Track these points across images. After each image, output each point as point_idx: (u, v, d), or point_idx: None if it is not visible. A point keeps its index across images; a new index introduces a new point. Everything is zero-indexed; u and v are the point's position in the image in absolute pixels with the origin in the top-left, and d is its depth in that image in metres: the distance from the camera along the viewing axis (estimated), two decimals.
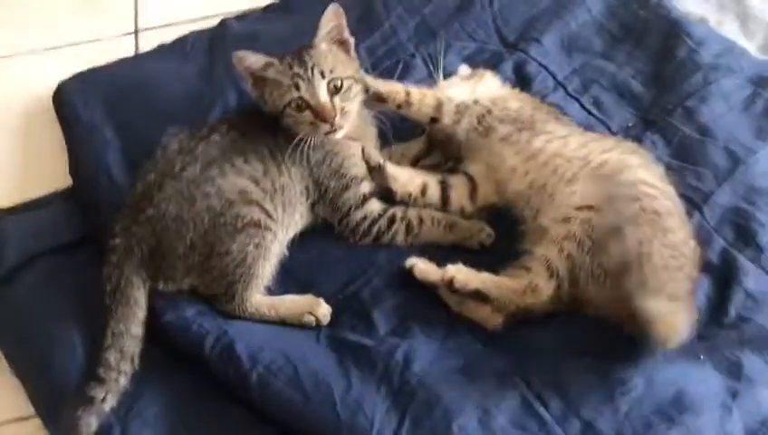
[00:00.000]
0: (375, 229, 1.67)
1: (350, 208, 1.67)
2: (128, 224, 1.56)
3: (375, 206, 1.69)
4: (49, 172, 1.97)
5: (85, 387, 1.47)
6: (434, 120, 1.71)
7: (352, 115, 1.65)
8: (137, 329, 1.53)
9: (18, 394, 1.59)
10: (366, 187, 1.69)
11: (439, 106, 1.70)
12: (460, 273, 1.53)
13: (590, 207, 1.51)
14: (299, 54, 1.60)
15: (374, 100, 1.71)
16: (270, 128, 1.64)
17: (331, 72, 1.59)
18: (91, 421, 1.44)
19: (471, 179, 1.73)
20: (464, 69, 1.92)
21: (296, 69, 1.58)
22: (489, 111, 1.71)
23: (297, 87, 1.58)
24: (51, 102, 2.09)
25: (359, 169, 1.68)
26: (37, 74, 2.25)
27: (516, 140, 1.67)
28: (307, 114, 1.59)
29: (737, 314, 1.51)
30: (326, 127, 1.59)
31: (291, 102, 1.59)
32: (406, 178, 1.71)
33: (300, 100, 1.58)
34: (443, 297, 1.58)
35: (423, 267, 1.59)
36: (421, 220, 1.68)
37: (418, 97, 1.70)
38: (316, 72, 1.57)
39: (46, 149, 2.05)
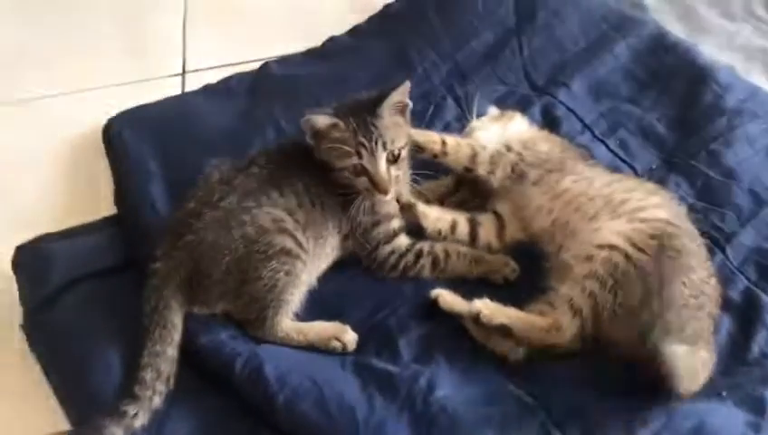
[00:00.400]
0: (402, 264, 1.72)
1: (379, 243, 1.72)
2: (168, 249, 1.63)
3: (403, 241, 1.74)
4: (94, 202, 2.07)
5: (119, 402, 1.51)
6: (468, 169, 1.77)
7: (402, 178, 1.71)
8: (173, 351, 1.58)
9: (57, 409, 1.65)
10: (396, 223, 1.74)
11: (474, 157, 1.76)
12: (487, 308, 1.57)
13: (611, 247, 1.54)
14: (364, 121, 1.63)
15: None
16: (305, 164, 1.70)
17: (392, 142, 1.64)
18: (116, 431, 1.48)
19: (499, 217, 1.78)
20: (493, 110, 1.99)
21: (360, 138, 1.62)
22: (521, 157, 1.75)
23: (359, 155, 1.63)
24: (97, 137, 2.20)
25: (390, 206, 1.74)
26: (86, 111, 2.36)
27: (546, 181, 1.72)
28: (363, 180, 1.65)
29: (760, 351, 1.52)
30: (379, 195, 1.67)
31: (350, 167, 1.65)
32: (436, 216, 1.77)
33: (360, 166, 1.64)
34: (467, 328, 1.62)
35: (448, 298, 1.63)
36: (447, 254, 1.73)
37: (454, 148, 1.76)
38: (379, 143, 1.63)
39: (92, 180, 2.15)
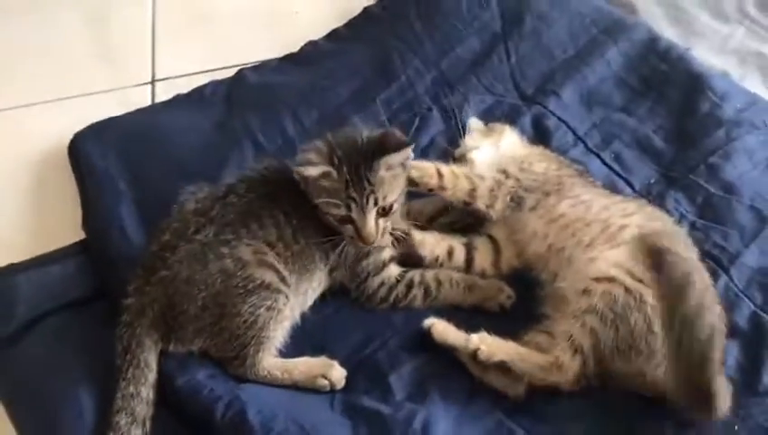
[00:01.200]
0: (393, 296, 1.65)
1: (369, 275, 1.64)
2: (141, 284, 1.54)
3: (393, 271, 1.66)
4: (61, 225, 1.94)
5: None
6: (467, 203, 1.68)
7: (390, 229, 1.62)
8: (147, 391, 1.49)
9: None
10: (386, 253, 1.66)
11: (473, 191, 1.66)
12: (484, 343, 1.49)
13: (610, 279, 1.47)
14: (357, 174, 1.52)
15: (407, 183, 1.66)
16: (288, 194, 1.60)
17: (385, 198, 1.55)
18: None
19: (494, 242, 1.70)
20: (474, 122, 1.91)
21: (352, 192, 1.52)
22: (519, 183, 1.67)
23: (348, 208, 1.53)
24: (63, 153, 2.08)
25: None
26: (51, 125, 2.22)
27: (543, 205, 1.65)
28: (350, 228, 1.57)
29: None
30: (363, 246, 1.58)
31: (337, 216, 1.55)
32: (433, 243, 1.70)
33: (348, 217, 1.55)
34: (463, 361, 1.53)
35: (442, 329, 1.55)
36: (439, 283, 1.65)
37: (451, 181, 1.66)
38: (371, 199, 1.53)
39: (59, 202, 2.02)
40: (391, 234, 1.64)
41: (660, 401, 1.42)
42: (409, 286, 1.64)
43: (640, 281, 1.45)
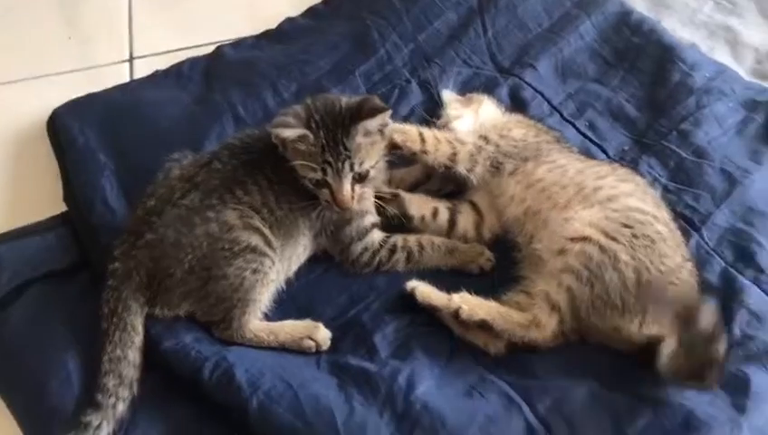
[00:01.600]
0: (376, 260, 1.67)
1: (352, 241, 1.67)
2: (127, 249, 1.55)
3: (376, 236, 1.69)
4: (41, 199, 1.94)
5: (81, 414, 1.43)
6: (448, 167, 1.71)
7: (366, 194, 1.64)
8: (134, 354, 1.51)
9: (10, 427, 1.54)
10: (369, 219, 1.68)
11: (454, 155, 1.69)
12: (466, 303, 1.53)
13: (584, 238, 1.51)
14: (334, 139, 1.53)
15: (390, 148, 1.67)
16: (271, 160, 1.61)
17: (361, 164, 1.56)
18: None
19: (476, 208, 1.74)
20: (447, 94, 1.95)
21: (328, 156, 1.53)
22: (499, 149, 1.71)
23: (324, 172, 1.54)
24: (43, 130, 2.08)
25: (362, 202, 1.67)
26: (29, 103, 2.21)
27: (521, 170, 1.69)
28: (326, 192, 1.58)
29: (742, 332, 1.51)
30: (339, 210, 1.59)
31: (313, 179, 1.56)
32: (419, 203, 1.73)
33: (324, 181, 1.56)
34: (445, 321, 1.57)
35: (424, 290, 1.58)
36: (422, 247, 1.68)
37: (433, 145, 1.69)
38: (347, 164, 1.54)
39: (38, 176, 2.03)
40: (377, 198, 1.67)
41: (634, 355, 1.47)
42: (392, 251, 1.67)
43: (614, 239, 1.49)
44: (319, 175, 1.55)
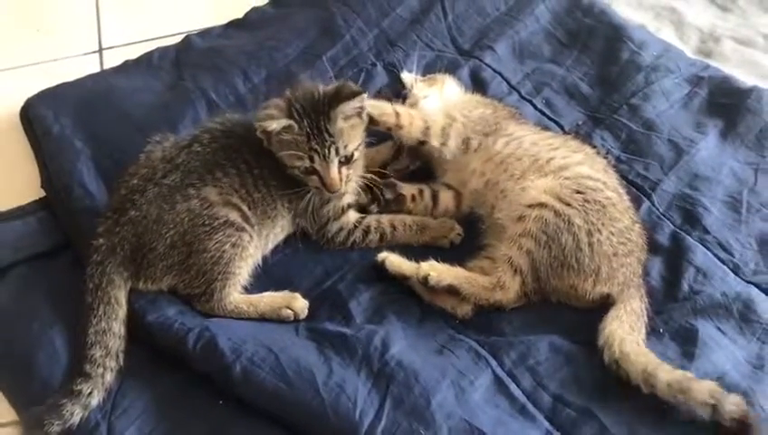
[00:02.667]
0: (351, 240, 1.75)
1: (328, 220, 1.74)
2: (111, 226, 1.61)
3: (351, 217, 1.76)
4: (18, 187, 1.98)
5: (71, 383, 1.49)
6: (422, 142, 1.79)
7: (353, 176, 1.72)
8: (118, 326, 1.57)
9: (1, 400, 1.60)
10: (347, 199, 1.75)
11: (427, 130, 1.78)
12: (434, 270, 1.61)
13: (541, 205, 1.61)
14: (318, 126, 1.61)
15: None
16: (251, 144, 1.68)
17: (346, 147, 1.64)
18: (74, 410, 1.46)
19: (452, 188, 1.83)
20: (406, 75, 2.04)
21: (314, 144, 1.60)
22: (464, 125, 1.79)
23: (312, 159, 1.62)
24: (17, 120, 2.11)
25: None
26: (1, 94, 2.25)
27: (484, 146, 1.78)
28: (314, 179, 1.65)
29: (690, 287, 1.64)
30: (330, 194, 1.67)
31: (301, 167, 1.64)
32: (408, 186, 1.83)
33: (312, 168, 1.63)
34: (414, 288, 1.66)
35: (394, 260, 1.67)
36: (394, 227, 1.76)
37: (407, 120, 1.77)
38: (332, 149, 1.61)
39: (13, 165, 2.07)
40: (374, 184, 1.76)
41: (590, 311, 1.59)
42: (366, 232, 1.75)
43: (568, 205, 1.60)
44: (307, 163, 1.62)
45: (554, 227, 1.58)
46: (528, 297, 1.62)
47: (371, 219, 1.77)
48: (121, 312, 1.58)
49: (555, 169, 1.68)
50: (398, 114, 1.77)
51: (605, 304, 1.57)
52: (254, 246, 1.67)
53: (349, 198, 1.76)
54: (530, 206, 1.62)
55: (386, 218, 1.78)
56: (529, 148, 1.74)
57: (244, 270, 1.65)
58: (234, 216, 1.62)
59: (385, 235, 1.76)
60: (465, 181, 1.80)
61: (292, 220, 1.75)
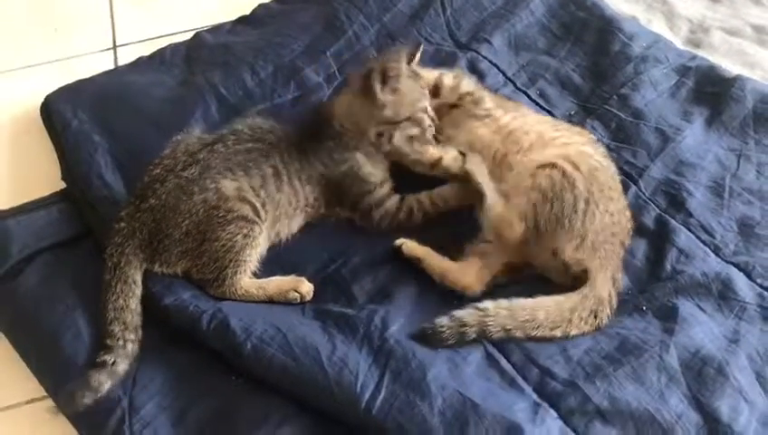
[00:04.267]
0: (396, 222, 1.84)
1: (371, 208, 1.84)
2: (132, 211, 1.72)
3: (392, 202, 1.85)
4: (40, 179, 2.09)
5: (96, 356, 1.61)
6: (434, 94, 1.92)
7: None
8: (135, 304, 1.68)
9: (30, 379, 1.72)
10: (385, 188, 1.86)
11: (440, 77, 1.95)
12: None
13: (552, 165, 1.71)
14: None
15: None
16: (279, 149, 1.80)
17: None
18: (102, 379, 1.58)
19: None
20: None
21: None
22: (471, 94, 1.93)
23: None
24: (31, 119, 2.23)
25: (378, 175, 1.86)
26: (19, 92, 2.37)
27: (495, 117, 1.88)
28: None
29: (672, 267, 1.73)
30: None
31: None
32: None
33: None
34: (426, 270, 1.76)
35: (410, 245, 1.78)
36: (433, 202, 1.86)
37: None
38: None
39: (35, 158, 2.18)
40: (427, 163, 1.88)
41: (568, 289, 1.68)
42: (409, 213, 1.85)
43: (577, 169, 1.69)
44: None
45: (560, 185, 1.67)
46: (526, 254, 1.71)
47: (411, 200, 1.86)
48: (137, 290, 1.69)
49: (560, 146, 1.78)
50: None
51: (579, 282, 1.66)
52: (263, 238, 1.77)
53: (387, 187, 1.87)
54: (542, 166, 1.72)
55: (424, 196, 1.86)
56: (534, 124, 1.85)
57: (253, 258, 1.75)
58: (246, 210, 1.72)
59: (427, 212, 1.85)
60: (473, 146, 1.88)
61: (316, 212, 1.86)
